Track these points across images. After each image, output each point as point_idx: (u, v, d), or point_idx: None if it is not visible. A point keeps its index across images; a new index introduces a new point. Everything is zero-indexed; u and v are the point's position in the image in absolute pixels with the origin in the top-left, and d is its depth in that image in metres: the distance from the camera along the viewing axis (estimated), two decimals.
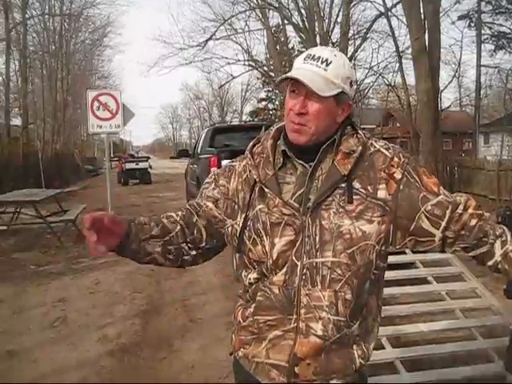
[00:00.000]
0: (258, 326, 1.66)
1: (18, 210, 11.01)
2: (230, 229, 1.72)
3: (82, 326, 5.29)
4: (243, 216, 1.67)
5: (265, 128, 9.86)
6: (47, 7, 31.36)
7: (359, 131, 1.65)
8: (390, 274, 4.54)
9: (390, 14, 19.01)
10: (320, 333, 1.57)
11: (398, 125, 37.72)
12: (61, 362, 4.42)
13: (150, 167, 30.28)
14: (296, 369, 1.61)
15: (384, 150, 1.62)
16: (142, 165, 29.23)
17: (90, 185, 29.36)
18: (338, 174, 1.56)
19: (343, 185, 1.57)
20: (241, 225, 1.67)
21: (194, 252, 1.76)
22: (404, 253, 4.96)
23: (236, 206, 1.72)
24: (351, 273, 1.56)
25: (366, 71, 21.50)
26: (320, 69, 1.57)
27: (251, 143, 1.79)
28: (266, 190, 1.63)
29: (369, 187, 1.57)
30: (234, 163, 1.81)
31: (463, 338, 4.00)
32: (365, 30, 20.96)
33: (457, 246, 1.66)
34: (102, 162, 54.99)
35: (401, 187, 1.59)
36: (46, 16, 31.45)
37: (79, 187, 26.84)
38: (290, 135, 1.62)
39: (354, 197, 1.56)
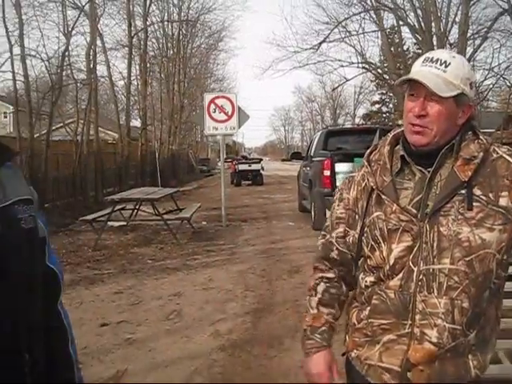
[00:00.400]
0: (372, 328, 1.68)
1: (137, 207, 11.56)
2: (351, 239, 1.76)
3: (195, 320, 5.50)
4: (361, 224, 1.70)
5: (380, 132, 9.75)
6: (166, 14, 32.74)
7: (481, 136, 1.62)
8: (508, 285, 4.36)
9: None
10: (435, 340, 1.56)
11: None
12: (175, 352, 4.62)
13: (263, 169, 30.62)
14: (408, 374, 1.60)
15: (507, 157, 1.58)
16: (254, 166, 29.58)
17: (203, 185, 30.26)
18: (458, 180, 1.54)
19: (463, 191, 1.54)
20: (359, 232, 1.71)
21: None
22: None
23: (356, 216, 1.75)
24: (469, 281, 1.54)
25: (486, 72, 20.54)
26: (439, 70, 1.57)
27: (368, 150, 1.81)
28: (383, 196, 1.64)
29: (490, 194, 1.54)
30: (353, 173, 1.84)
31: None
32: (485, 29, 20.04)
33: None
34: (215, 163, 56.43)
35: None
36: (165, 22, 32.79)
37: (193, 187, 27.71)
38: (410, 138, 1.62)
39: (474, 204, 1.53)
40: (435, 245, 1.55)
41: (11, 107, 40.48)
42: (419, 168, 1.62)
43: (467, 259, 1.53)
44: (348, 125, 24.99)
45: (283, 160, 41.19)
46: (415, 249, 1.57)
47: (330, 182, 10.26)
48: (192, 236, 10.78)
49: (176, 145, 37.26)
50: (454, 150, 1.60)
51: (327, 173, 10.27)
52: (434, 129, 1.57)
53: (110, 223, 10.55)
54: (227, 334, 5.05)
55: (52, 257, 1.47)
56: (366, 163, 1.75)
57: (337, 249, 1.82)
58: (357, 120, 60.58)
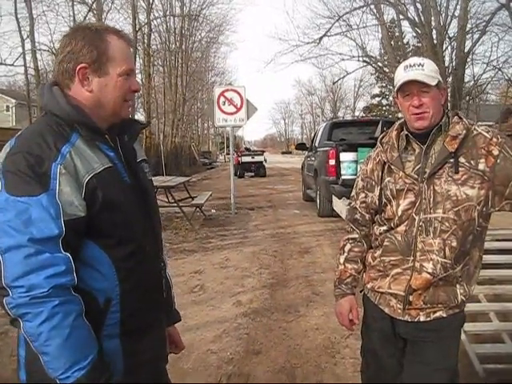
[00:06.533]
0: (384, 265, 2.26)
1: None
2: (369, 199, 2.35)
3: (218, 293, 6.10)
4: (378, 188, 2.29)
5: (382, 123, 10.30)
6: (169, 8, 33.20)
7: (464, 119, 2.18)
8: (498, 258, 4.95)
9: (511, 5, 18.54)
10: (430, 270, 2.13)
11: None
12: (203, 318, 5.21)
13: (265, 161, 31.07)
14: (410, 297, 2.19)
15: (484, 133, 2.14)
16: (257, 158, 30.01)
17: (207, 176, 30.76)
18: (447, 151, 2.10)
19: (451, 160, 2.10)
20: (377, 194, 2.29)
21: None
22: None
23: (373, 182, 2.33)
24: (457, 226, 2.10)
25: (485, 66, 20.96)
26: (419, 70, 2.13)
27: (380, 136, 2.42)
28: (393, 166, 2.23)
29: (471, 161, 2.09)
30: (370, 153, 2.45)
31: None
32: (484, 24, 20.40)
33: None
34: (216, 156, 56.72)
35: (498, 161, 2.08)
36: (168, 17, 33.25)
37: (197, 178, 28.16)
38: (414, 125, 2.17)
39: (459, 168, 2.09)
40: (431, 200, 2.12)
41: (14, 101, 41.25)
42: (418, 144, 2.19)
43: (455, 209, 2.09)
44: (349, 117, 25.48)
45: (283, 153, 41.56)
46: (417, 203, 2.14)
47: (335, 171, 10.77)
48: (204, 222, 11.36)
49: (179, 137, 37.76)
50: (442, 130, 2.16)
51: (332, 162, 10.78)
52: (430, 111, 2.12)
53: None
54: (248, 304, 5.64)
55: None
56: (379, 144, 2.36)
57: (359, 212, 2.42)
58: (357, 113, 61.07)
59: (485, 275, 4.70)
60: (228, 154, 37.50)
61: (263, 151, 33.61)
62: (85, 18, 18.50)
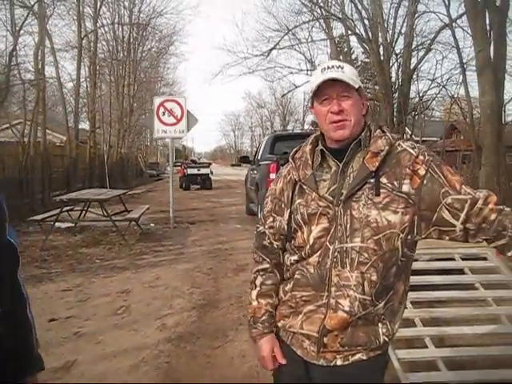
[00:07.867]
0: (296, 301, 1.94)
1: (86, 208, 11.58)
2: (278, 224, 2.04)
3: (143, 315, 5.67)
4: (288, 212, 1.97)
5: None
6: (117, 17, 32.62)
7: (387, 134, 1.90)
8: (437, 279, 4.74)
9: (454, 25, 18.86)
10: (347, 309, 1.82)
11: (461, 138, 36.82)
12: (123, 344, 4.79)
13: (212, 173, 30.83)
14: (325, 339, 1.87)
15: (410, 149, 1.85)
16: (203, 170, 29.79)
17: (152, 188, 30.23)
18: (367, 170, 1.81)
19: (372, 180, 1.81)
20: (287, 218, 1.98)
21: None
22: (453, 259, 5.11)
23: (282, 204, 2.02)
24: (377, 257, 1.80)
25: (430, 83, 21.27)
26: (339, 72, 1.85)
27: (293, 150, 2.10)
28: (305, 186, 1.92)
29: (395, 182, 1.80)
30: (281, 170, 2.13)
31: (508, 344, 4.04)
32: (429, 42, 20.76)
33: (479, 237, 1.84)
34: (164, 167, 56.17)
35: (424, 182, 1.79)
36: (116, 25, 32.67)
37: (142, 190, 27.70)
38: (333, 136, 1.87)
39: (381, 190, 1.79)
40: (348, 226, 1.81)
41: None
42: (335, 161, 1.89)
43: (375, 238, 1.79)
44: (297, 130, 25.49)
45: (232, 165, 41.37)
46: (331, 230, 1.83)
47: None
48: (140, 237, 10.89)
49: (125, 148, 37.08)
50: (361, 145, 1.87)
51: (273, 176, 10.51)
52: (351, 120, 1.84)
53: (58, 224, 10.54)
54: (174, 327, 5.25)
55: (10, 232, 1.68)
56: (290, 160, 2.03)
57: (268, 238, 2.09)
58: (306, 126, 61.28)
59: (422, 297, 4.49)
60: (176, 164, 36.97)
61: (210, 163, 33.39)
62: (24, 21, 17.72)
